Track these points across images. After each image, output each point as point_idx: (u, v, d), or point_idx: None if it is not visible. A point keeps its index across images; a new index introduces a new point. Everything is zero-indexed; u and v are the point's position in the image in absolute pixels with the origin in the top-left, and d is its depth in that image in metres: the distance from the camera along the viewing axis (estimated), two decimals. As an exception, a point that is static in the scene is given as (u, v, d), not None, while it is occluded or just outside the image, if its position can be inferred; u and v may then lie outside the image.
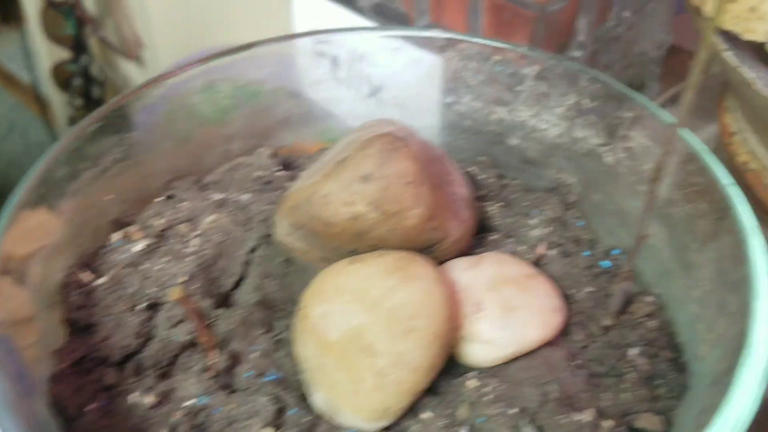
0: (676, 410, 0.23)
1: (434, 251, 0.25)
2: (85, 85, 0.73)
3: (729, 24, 0.25)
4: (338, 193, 0.23)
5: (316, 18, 0.45)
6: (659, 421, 0.22)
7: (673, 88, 0.46)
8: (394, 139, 0.23)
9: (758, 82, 0.26)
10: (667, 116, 0.26)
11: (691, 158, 0.25)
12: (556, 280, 0.27)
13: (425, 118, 0.35)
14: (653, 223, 0.27)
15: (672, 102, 0.46)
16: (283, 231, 0.26)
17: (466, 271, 0.25)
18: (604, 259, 0.29)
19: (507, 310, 0.24)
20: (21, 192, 0.24)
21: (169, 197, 0.30)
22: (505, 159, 0.34)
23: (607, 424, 0.22)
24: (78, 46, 0.71)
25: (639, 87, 0.46)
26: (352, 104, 0.35)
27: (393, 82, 0.34)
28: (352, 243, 0.24)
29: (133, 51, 0.65)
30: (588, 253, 0.29)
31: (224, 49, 0.31)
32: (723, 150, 0.36)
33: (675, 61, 0.53)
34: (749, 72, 0.26)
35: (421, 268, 0.23)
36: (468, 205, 0.27)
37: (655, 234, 0.27)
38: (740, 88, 0.29)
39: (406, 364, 0.22)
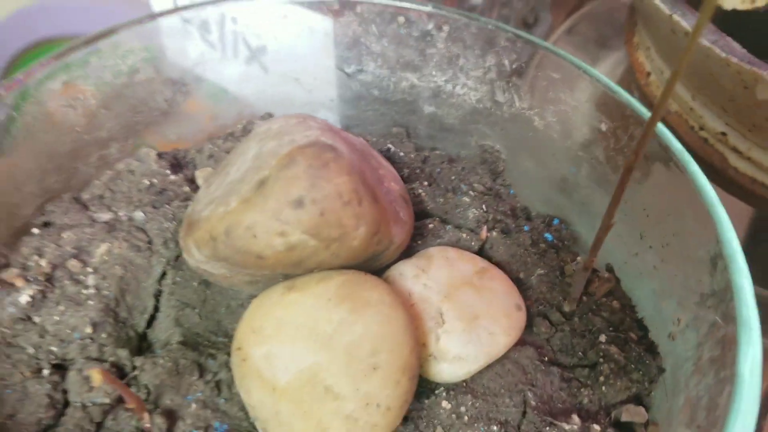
0: (651, 391, 0.23)
1: (378, 260, 0.23)
2: None
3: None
4: (267, 224, 0.20)
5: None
6: (642, 412, 0.22)
7: (566, 20, 0.46)
8: (321, 151, 0.20)
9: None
10: (608, 83, 0.25)
11: (637, 121, 0.24)
12: (505, 266, 0.26)
13: (324, 90, 0.32)
14: (599, 190, 0.27)
15: (568, 33, 0.45)
16: (196, 258, 0.23)
17: (416, 280, 0.23)
18: (545, 231, 0.28)
19: (470, 320, 0.22)
20: None
21: (46, 224, 0.26)
22: (421, 128, 0.32)
23: (596, 428, 0.21)
24: None
25: (534, 22, 0.45)
26: (243, 84, 0.32)
27: (286, 55, 0.31)
28: (288, 270, 0.22)
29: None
30: (527, 228, 0.28)
31: (80, 40, 0.27)
32: (637, 88, 0.36)
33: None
34: (685, 20, 0.25)
35: (371, 292, 0.21)
36: (404, 200, 0.25)
37: (597, 199, 0.27)
38: (671, 34, 0.28)
39: (377, 406, 0.20)
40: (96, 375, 0.17)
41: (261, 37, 0.31)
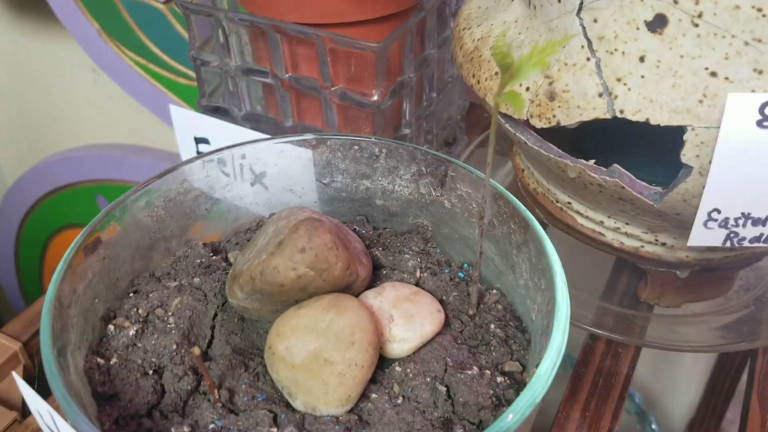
0: (526, 355, 0.35)
1: (351, 289, 0.36)
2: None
3: (503, 109, 0.39)
4: (285, 264, 0.33)
5: (195, 129, 0.55)
6: (518, 365, 0.34)
7: (476, 138, 0.61)
8: (314, 221, 0.34)
9: (528, 141, 0.40)
10: (477, 173, 0.39)
11: (499, 197, 0.38)
12: (432, 292, 0.39)
13: (309, 195, 0.46)
14: (486, 243, 0.40)
15: (479, 147, 0.60)
16: (239, 298, 0.36)
17: (375, 298, 0.36)
18: (459, 271, 0.41)
19: (408, 318, 0.35)
20: (50, 308, 0.32)
21: (136, 291, 0.39)
22: (376, 215, 0.45)
23: (487, 373, 0.33)
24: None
25: (453, 141, 0.60)
26: (255, 197, 0.45)
27: (282, 175, 0.45)
28: (297, 295, 0.34)
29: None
30: (447, 270, 0.41)
31: (155, 176, 0.40)
32: (519, 180, 0.50)
33: (473, 115, 0.68)
34: (522, 135, 0.40)
35: (348, 302, 0.34)
36: (365, 253, 0.38)
37: (488, 249, 0.40)
38: (520, 144, 0.42)
39: (355, 365, 0.32)
40: (196, 350, 0.30)
41: (266, 165, 0.44)
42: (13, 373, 0.31)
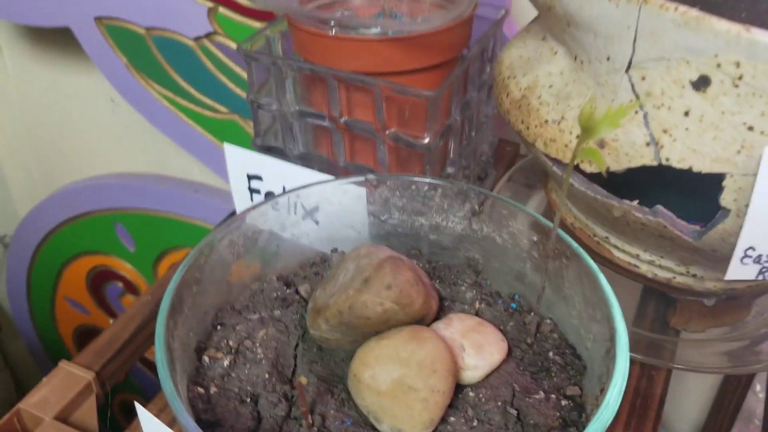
0: (583, 380, 0.39)
1: (424, 321, 0.39)
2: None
3: (553, 153, 0.43)
4: (372, 299, 0.36)
5: (249, 166, 0.58)
6: (577, 389, 0.38)
7: (504, 173, 0.65)
8: (396, 260, 0.37)
9: (575, 183, 0.43)
10: (530, 211, 0.43)
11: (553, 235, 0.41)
12: (491, 322, 0.43)
13: (367, 231, 0.49)
14: (538, 276, 0.44)
15: (508, 181, 0.64)
16: (322, 330, 0.39)
17: (446, 329, 0.40)
18: (511, 302, 0.45)
19: (479, 347, 0.38)
20: (162, 348, 0.35)
21: (221, 324, 0.42)
22: (429, 249, 0.49)
23: (552, 397, 0.37)
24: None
25: (485, 176, 0.63)
26: (318, 234, 0.48)
27: (340, 212, 0.48)
28: (380, 327, 0.38)
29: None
30: (500, 301, 0.45)
31: (232, 219, 0.44)
32: (553, 214, 0.54)
33: (498, 150, 0.72)
34: (570, 178, 0.44)
35: (426, 333, 0.37)
36: (432, 287, 0.41)
37: (538, 280, 0.44)
38: (560, 183, 0.46)
39: (437, 391, 0.36)
40: (303, 379, 0.33)
41: (322, 203, 0.48)
42: (136, 403, 0.34)
